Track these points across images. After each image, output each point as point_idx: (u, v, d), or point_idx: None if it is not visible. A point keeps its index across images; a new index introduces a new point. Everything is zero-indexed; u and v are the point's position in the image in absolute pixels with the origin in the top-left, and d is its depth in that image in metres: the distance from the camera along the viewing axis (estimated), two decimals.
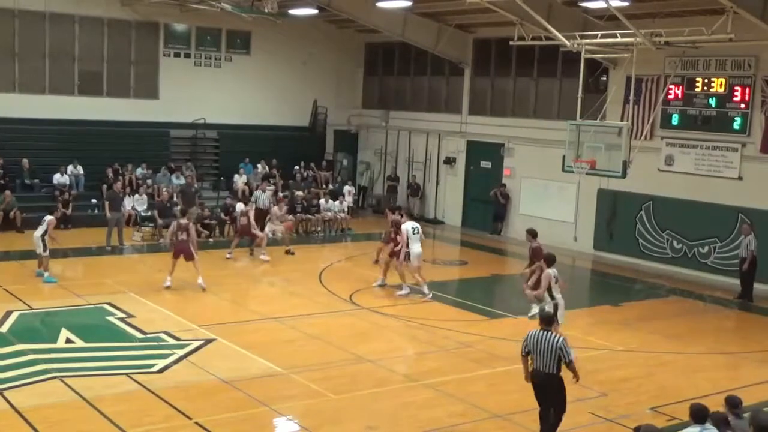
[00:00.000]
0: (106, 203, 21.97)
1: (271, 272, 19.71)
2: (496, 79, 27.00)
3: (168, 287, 17.09)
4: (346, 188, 27.93)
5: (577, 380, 9.97)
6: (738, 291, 19.15)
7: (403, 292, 17.69)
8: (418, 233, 17.52)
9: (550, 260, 14.11)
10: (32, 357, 12.52)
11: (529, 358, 9.85)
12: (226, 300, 16.81)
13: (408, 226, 17.51)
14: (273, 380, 12.13)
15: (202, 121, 28.03)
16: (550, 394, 9.76)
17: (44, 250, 17.45)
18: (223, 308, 16.15)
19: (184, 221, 17.46)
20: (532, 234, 17.12)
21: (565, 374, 9.79)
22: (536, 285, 14.71)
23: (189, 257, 17.22)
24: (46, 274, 17.40)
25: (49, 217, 17.82)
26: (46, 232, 17.46)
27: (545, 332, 9.73)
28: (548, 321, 9.96)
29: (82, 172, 25.29)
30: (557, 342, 9.64)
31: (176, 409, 10.72)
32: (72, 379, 11.57)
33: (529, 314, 15.87)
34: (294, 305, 16.61)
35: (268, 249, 20.85)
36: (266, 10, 23.66)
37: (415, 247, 17.29)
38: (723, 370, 13.95)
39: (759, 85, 19.97)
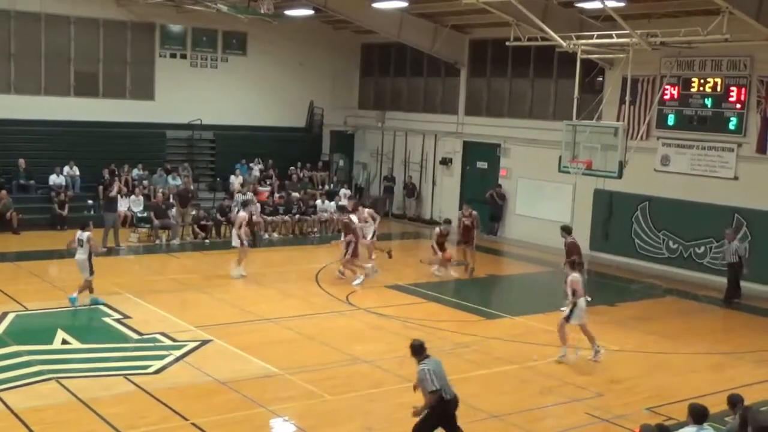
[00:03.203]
0: (102, 204, 21.91)
1: (267, 273, 19.68)
2: (492, 80, 27.00)
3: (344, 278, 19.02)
4: (342, 190, 27.93)
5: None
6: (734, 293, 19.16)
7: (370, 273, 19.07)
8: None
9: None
10: (28, 358, 12.50)
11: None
12: (222, 301, 16.78)
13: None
14: (269, 381, 12.13)
15: (198, 122, 28.00)
16: (453, 416, 9.41)
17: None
18: (219, 309, 16.11)
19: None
20: (566, 231, 17.74)
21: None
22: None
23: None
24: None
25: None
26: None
27: (432, 359, 9.41)
28: (419, 349, 9.43)
29: (78, 173, 25.26)
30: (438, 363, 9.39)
31: (173, 410, 10.72)
32: (68, 381, 11.55)
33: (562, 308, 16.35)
34: (290, 306, 16.62)
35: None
36: (262, 11, 23.63)
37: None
38: (719, 370, 13.94)
39: (755, 86, 20.01)
